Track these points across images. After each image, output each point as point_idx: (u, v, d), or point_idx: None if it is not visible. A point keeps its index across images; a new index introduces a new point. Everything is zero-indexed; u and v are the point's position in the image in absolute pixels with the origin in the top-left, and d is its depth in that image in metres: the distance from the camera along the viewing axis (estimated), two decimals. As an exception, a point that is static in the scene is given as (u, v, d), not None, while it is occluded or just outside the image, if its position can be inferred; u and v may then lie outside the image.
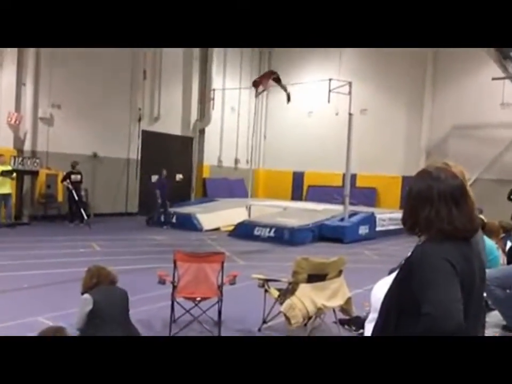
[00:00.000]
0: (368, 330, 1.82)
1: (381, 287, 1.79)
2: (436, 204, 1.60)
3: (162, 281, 4.78)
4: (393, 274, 1.74)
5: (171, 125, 16.75)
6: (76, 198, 12.25)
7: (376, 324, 1.69)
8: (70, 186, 12.24)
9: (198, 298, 4.68)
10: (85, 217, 12.12)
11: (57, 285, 6.36)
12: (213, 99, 17.28)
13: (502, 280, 4.07)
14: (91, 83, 13.94)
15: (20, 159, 12.28)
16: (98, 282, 3.51)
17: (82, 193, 12.81)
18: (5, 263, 7.56)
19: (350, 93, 12.77)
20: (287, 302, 4.45)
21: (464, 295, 1.49)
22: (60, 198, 13.11)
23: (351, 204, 13.31)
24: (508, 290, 4.07)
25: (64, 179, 12.44)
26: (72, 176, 12.39)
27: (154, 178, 14.27)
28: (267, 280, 4.87)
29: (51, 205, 13.07)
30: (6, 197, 11.29)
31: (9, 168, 11.43)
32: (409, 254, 1.70)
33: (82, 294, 3.47)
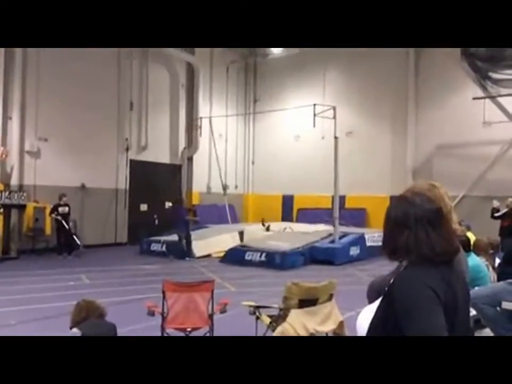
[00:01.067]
0: None
1: (366, 315, 1.79)
2: (414, 229, 1.60)
3: (151, 313, 4.72)
4: (377, 302, 1.74)
5: (159, 153, 16.81)
6: (66, 228, 12.19)
7: None
8: (59, 217, 12.21)
9: (189, 329, 4.62)
10: (74, 249, 12.01)
11: (46, 320, 6.24)
12: (200, 127, 17.42)
13: (491, 297, 4.08)
14: (78, 115, 14.00)
15: (7, 193, 12.20)
16: (87, 316, 3.47)
17: (71, 224, 12.71)
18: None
19: (334, 117, 12.99)
20: (279, 328, 4.41)
21: (448, 320, 1.50)
22: (48, 231, 12.97)
23: (341, 225, 13.36)
24: (498, 308, 4.09)
25: (52, 211, 12.40)
26: (60, 209, 12.37)
27: (168, 205, 14.42)
28: (258, 307, 4.83)
29: (39, 238, 12.91)
30: None
31: None
32: (391, 280, 1.71)
33: (71, 328, 3.42)
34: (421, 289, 1.51)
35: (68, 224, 12.40)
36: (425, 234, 1.60)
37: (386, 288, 1.67)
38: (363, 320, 1.79)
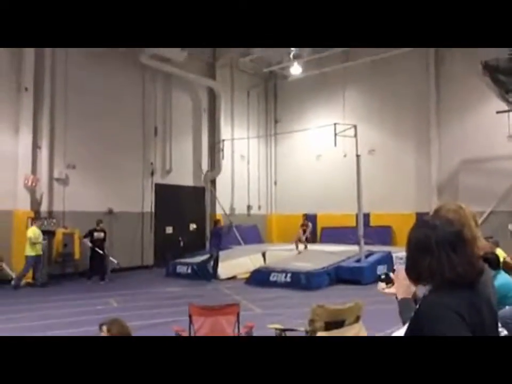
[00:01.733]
0: None
1: None
2: (436, 253, 1.62)
3: (179, 336, 4.77)
4: (404, 329, 1.74)
5: (183, 176, 17.09)
6: (100, 254, 12.40)
7: None
8: (90, 244, 12.42)
9: (216, 352, 4.65)
10: (108, 274, 12.29)
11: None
12: (223, 149, 17.67)
13: (521, 317, 4.00)
14: (104, 142, 14.43)
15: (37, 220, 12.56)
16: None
17: (106, 251, 12.78)
18: (25, 324, 7.60)
19: (355, 135, 13.00)
20: (305, 351, 4.40)
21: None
22: (77, 255, 13.26)
23: (367, 243, 13.22)
24: (529, 327, 3.99)
25: (86, 235, 12.59)
26: (95, 234, 12.58)
27: (192, 227, 15.48)
28: (284, 330, 4.83)
29: (68, 263, 13.20)
30: (38, 258, 11.76)
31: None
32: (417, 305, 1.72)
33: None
34: (447, 314, 1.52)
35: (102, 250, 12.54)
36: (446, 258, 1.60)
37: (413, 313, 1.68)
38: None
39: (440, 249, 1.62)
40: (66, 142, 13.71)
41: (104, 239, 12.75)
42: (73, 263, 13.25)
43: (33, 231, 11.76)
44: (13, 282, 11.48)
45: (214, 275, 12.49)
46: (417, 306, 1.68)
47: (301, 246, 14.79)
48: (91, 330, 3.86)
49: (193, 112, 17.81)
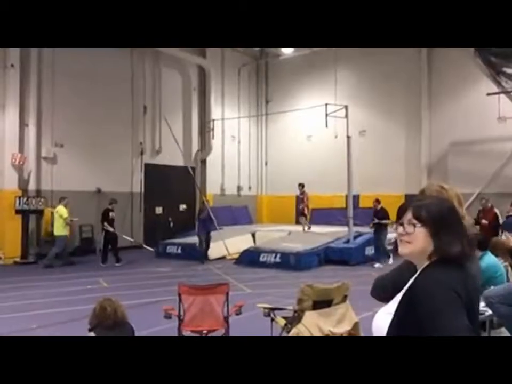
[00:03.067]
0: None
1: (381, 318, 1.78)
2: (447, 229, 1.62)
3: (168, 316, 4.79)
4: (392, 304, 1.73)
5: (172, 156, 16.96)
6: (116, 235, 12.20)
7: None
8: (110, 229, 11.99)
9: (205, 331, 4.69)
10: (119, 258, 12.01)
11: (64, 324, 6.37)
12: (213, 129, 17.52)
13: (506, 296, 4.06)
14: (92, 121, 14.22)
15: (25, 199, 12.44)
16: (101, 322, 3.50)
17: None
18: (14, 303, 7.59)
19: (346, 116, 12.98)
20: (294, 330, 4.44)
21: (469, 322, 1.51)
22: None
23: (356, 224, 13.31)
24: (513, 307, 4.06)
25: (104, 218, 12.09)
26: (110, 214, 12.18)
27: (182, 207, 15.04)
28: (273, 309, 4.87)
29: (57, 242, 13.12)
30: (66, 237, 11.85)
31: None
32: (409, 281, 1.69)
33: (90, 331, 3.49)
34: (445, 292, 1.52)
35: (114, 230, 12.24)
36: (455, 235, 1.61)
37: (406, 288, 1.66)
38: (379, 321, 1.78)
39: (442, 227, 1.62)
40: (54, 121, 13.49)
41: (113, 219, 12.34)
42: (62, 242, 13.16)
43: (65, 211, 11.65)
44: (44, 261, 11.42)
45: (204, 257, 12.41)
46: (412, 281, 1.65)
47: (305, 222, 14.61)
48: (82, 309, 3.86)
49: (183, 91, 17.58)
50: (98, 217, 14.21)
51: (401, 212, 1.75)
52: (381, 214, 12.01)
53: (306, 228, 14.61)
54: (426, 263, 1.65)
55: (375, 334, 1.77)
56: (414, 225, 1.64)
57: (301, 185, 14.77)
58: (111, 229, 12.03)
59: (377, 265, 11.49)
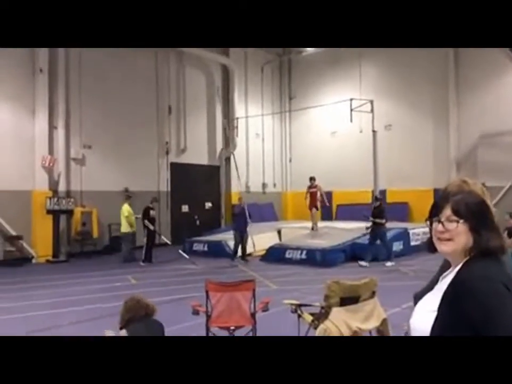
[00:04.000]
0: None
1: (422, 317, 1.69)
2: (484, 222, 1.60)
3: (196, 312, 4.85)
4: (429, 301, 1.67)
5: (198, 155, 17.11)
6: (157, 233, 12.33)
7: None
8: (150, 226, 11.95)
9: (232, 327, 4.72)
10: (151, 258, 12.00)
11: (95, 321, 6.50)
12: (237, 127, 17.58)
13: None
14: (119, 122, 14.49)
15: (55, 199, 12.77)
16: (133, 316, 3.57)
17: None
18: (47, 301, 7.80)
19: (372, 110, 12.83)
20: (321, 326, 4.42)
21: None
22: (95, 234, 13.49)
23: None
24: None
25: (144, 216, 12.00)
26: (151, 212, 12.16)
27: (208, 205, 14.59)
28: (299, 305, 4.86)
29: (87, 241, 13.45)
30: (134, 235, 12.21)
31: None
32: (447, 277, 1.64)
33: (121, 328, 3.55)
34: (495, 286, 1.47)
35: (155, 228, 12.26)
36: (485, 229, 1.59)
37: (448, 284, 1.60)
38: (420, 320, 1.70)
39: (481, 221, 1.60)
40: (81, 123, 13.81)
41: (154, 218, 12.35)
42: (92, 241, 13.49)
43: (127, 209, 12.02)
44: (122, 258, 11.98)
45: (234, 255, 11.88)
46: (453, 278, 1.59)
47: (316, 217, 13.93)
48: (110, 306, 3.94)
49: (207, 90, 17.70)
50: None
51: (435, 208, 1.71)
52: (378, 212, 11.28)
53: (315, 227, 13.96)
54: (464, 259, 1.61)
55: (414, 334, 1.69)
56: (457, 222, 1.60)
57: (312, 179, 14.27)
58: (151, 227, 12.08)
59: (389, 264, 10.98)
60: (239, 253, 11.99)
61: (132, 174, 14.81)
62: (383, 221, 11.22)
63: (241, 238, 11.91)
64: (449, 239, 1.61)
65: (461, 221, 1.59)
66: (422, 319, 1.63)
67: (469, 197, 1.70)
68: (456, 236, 1.60)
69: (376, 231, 11.24)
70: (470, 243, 1.59)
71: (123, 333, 3.47)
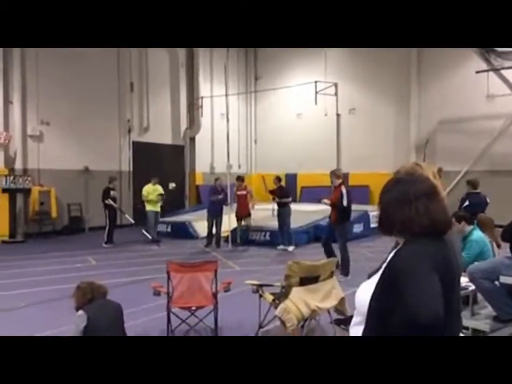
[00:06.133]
0: (353, 334, 1.87)
1: (364, 291, 1.83)
2: (414, 204, 1.68)
3: (157, 293, 4.83)
4: (375, 277, 1.78)
5: (161, 134, 16.80)
6: (118, 213, 11.99)
7: (364, 328, 1.73)
8: (115, 204, 11.59)
9: (194, 308, 4.73)
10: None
11: (54, 302, 6.38)
12: (202, 106, 17.35)
13: (489, 272, 4.14)
14: (78, 98, 13.98)
15: (12, 177, 12.30)
16: (92, 297, 3.55)
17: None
18: (2, 281, 7.57)
19: (336, 93, 12.93)
20: (281, 306, 4.50)
21: (445, 293, 1.55)
22: (54, 214, 13.11)
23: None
24: (496, 282, 4.15)
25: (104, 197, 11.50)
26: (112, 192, 11.70)
27: (172, 186, 14.34)
28: (261, 286, 4.92)
29: (45, 221, 13.06)
30: (157, 214, 12.03)
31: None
32: (388, 258, 1.76)
33: (77, 310, 3.51)
34: (422, 260, 1.57)
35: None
36: (424, 207, 1.68)
37: (387, 261, 1.72)
38: (361, 295, 1.84)
39: (418, 200, 1.69)
40: (39, 98, 13.24)
41: (115, 198, 11.89)
42: (50, 221, 13.12)
43: (145, 189, 11.88)
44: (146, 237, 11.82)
45: (207, 241, 11.29)
46: (391, 257, 1.70)
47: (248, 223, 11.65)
48: (70, 287, 3.88)
49: (170, 68, 17.31)
50: (86, 196, 14.12)
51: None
52: (281, 192, 10.89)
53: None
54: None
55: (357, 306, 1.85)
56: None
57: (240, 178, 11.97)
58: (115, 205, 11.68)
59: (281, 246, 10.62)
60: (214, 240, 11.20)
61: (93, 152, 14.40)
62: (289, 199, 10.95)
63: (215, 222, 11.14)
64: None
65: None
66: (363, 294, 1.80)
67: (411, 179, 1.80)
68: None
69: (283, 212, 10.79)
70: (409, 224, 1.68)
71: (80, 313, 3.44)
